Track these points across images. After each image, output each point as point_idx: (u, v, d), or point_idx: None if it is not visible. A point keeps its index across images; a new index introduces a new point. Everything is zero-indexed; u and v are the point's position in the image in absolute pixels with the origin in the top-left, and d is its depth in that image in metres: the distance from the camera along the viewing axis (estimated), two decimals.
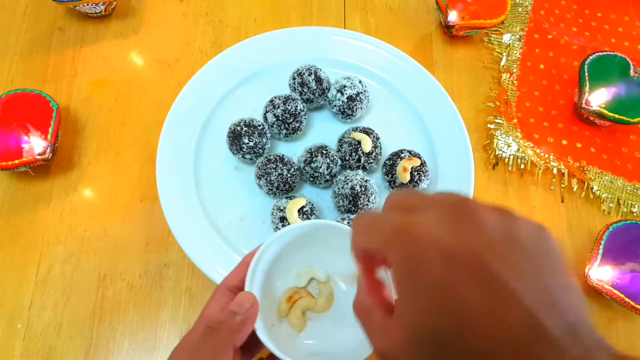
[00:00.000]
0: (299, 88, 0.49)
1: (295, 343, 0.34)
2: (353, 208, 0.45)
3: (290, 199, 0.44)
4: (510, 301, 0.19)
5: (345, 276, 0.37)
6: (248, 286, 0.31)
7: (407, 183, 0.46)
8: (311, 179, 0.47)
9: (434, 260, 0.20)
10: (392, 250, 0.22)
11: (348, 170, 0.46)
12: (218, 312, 0.30)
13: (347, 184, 0.44)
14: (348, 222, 0.43)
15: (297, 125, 0.48)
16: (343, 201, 0.45)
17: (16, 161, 0.45)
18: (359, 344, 0.32)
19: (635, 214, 0.51)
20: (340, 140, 0.49)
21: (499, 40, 0.59)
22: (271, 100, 0.48)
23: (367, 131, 0.48)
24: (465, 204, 0.22)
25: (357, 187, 0.44)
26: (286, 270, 0.37)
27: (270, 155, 0.46)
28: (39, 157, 0.46)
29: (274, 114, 0.47)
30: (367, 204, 0.45)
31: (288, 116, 0.47)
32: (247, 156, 0.47)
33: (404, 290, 0.21)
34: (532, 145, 0.53)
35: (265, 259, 0.34)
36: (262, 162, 0.45)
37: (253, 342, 0.30)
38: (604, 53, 0.55)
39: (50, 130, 0.47)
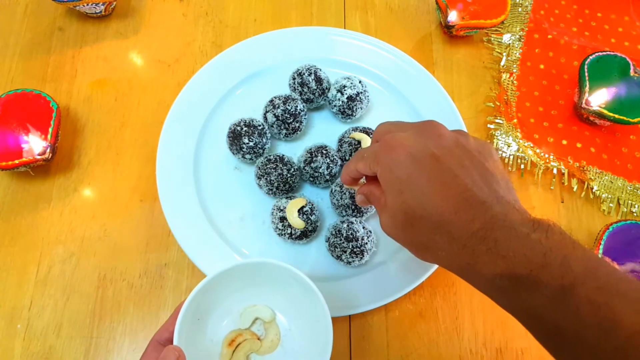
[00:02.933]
0: (299, 88, 0.49)
1: None
2: (358, 215, 0.45)
3: (290, 199, 0.44)
4: (453, 181, 0.28)
5: (291, 313, 0.37)
6: (176, 339, 0.31)
7: None
8: (311, 179, 0.47)
9: (405, 159, 0.29)
10: (380, 159, 0.31)
11: (340, 179, 0.46)
12: None
13: (345, 193, 0.44)
14: (348, 225, 0.43)
15: (297, 125, 0.48)
16: (346, 211, 0.45)
17: (16, 161, 0.45)
18: None
19: (635, 214, 0.51)
20: (340, 140, 0.49)
21: (499, 40, 0.59)
22: (271, 100, 0.48)
23: (367, 131, 0.48)
24: (430, 124, 0.31)
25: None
26: (227, 312, 0.36)
27: (270, 155, 0.46)
28: (39, 157, 0.46)
29: (274, 114, 0.47)
30: (368, 209, 0.45)
31: (288, 116, 0.47)
32: (247, 156, 0.47)
33: (386, 184, 0.30)
34: (532, 145, 0.53)
35: (196, 305, 0.33)
36: (262, 162, 0.45)
37: None
38: (604, 53, 0.54)
39: (50, 130, 0.47)
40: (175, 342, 0.31)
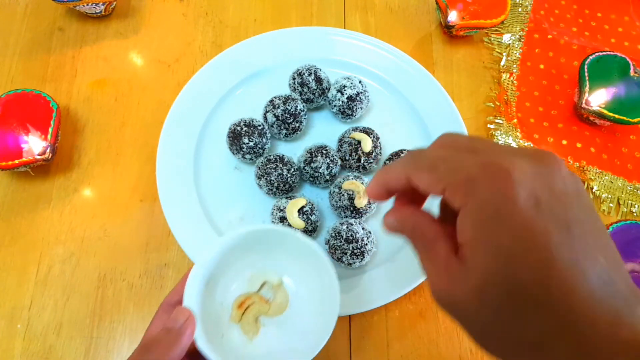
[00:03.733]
0: (299, 88, 0.49)
1: (245, 350, 0.34)
2: (357, 216, 0.45)
3: (290, 199, 0.44)
4: (590, 255, 0.18)
5: (299, 278, 0.37)
6: (186, 300, 0.31)
7: None
8: (311, 179, 0.47)
9: (526, 202, 0.18)
10: (479, 187, 0.19)
11: (340, 179, 0.46)
12: (157, 330, 0.30)
13: (344, 195, 0.44)
14: (347, 227, 0.43)
15: (297, 125, 0.48)
16: (345, 212, 0.45)
17: (16, 161, 0.45)
18: (312, 345, 0.32)
19: (635, 214, 0.51)
20: (340, 140, 0.49)
21: (499, 40, 0.59)
22: (271, 100, 0.48)
23: (367, 131, 0.48)
24: (552, 155, 0.20)
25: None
26: (235, 277, 0.36)
27: (270, 155, 0.46)
28: (38, 157, 0.46)
29: (274, 114, 0.47)
30: (368, 209, 0.45)
31: (288, 116, 0.47)
32: (247, 156, 0.47)
33: (482, 231, 0.19)
34: (532, 145, 0.53)
35: (206, 269, 0.33)
36: (262, 162, 0.45)
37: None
38: (604, 53, 0.55)
39: (50, 130, 0.47)
40: (184, 304, 0.31)
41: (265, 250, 0.36)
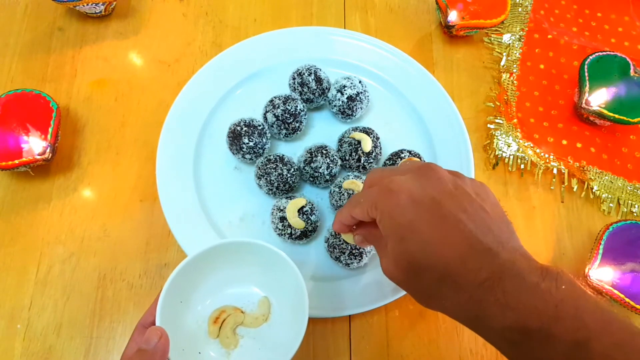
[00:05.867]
0: (299, 88, 0.49)
1: None
2: None
3: (290, 199, 0.44)
4: (456, 227, 0.27)
5: (271, 288, 0.38)
6: (158, 320, 0.31)
7: None
8: (311, 179, 0.46)
9: (406, 204, 0.28)
10: (379, 204, 0.29)
11: (340, 179, 0.46)
12: (132, 352, 0.31)
13: (344, 194, 0.44)
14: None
15: (297, 125, 0.48)
16: None
17: (16, 161, 0.45)
18: (283, 355, 0.32)
19: (635, 214, 0.51)
20: (340, 140, 0.49)
21: (499, 40, 0.59)
22: (271, 100, 0.48)
23: (367, 131, 0.48)
24: (428, 167, 0.30)
25: None
26: (209, 292, 0.37)
27: (270, 155, 0.46)
28: (38, 157, 0.46)
29: (274, 114, 0.47)
30: None
31: (288, 116, 0.47)
32: (247, 156, 0.47)
33: (387, 231, 0.29)
34: (532, 145, 0.53)
35: (177, 287, 0.33)
36: (262, 162, 0.45)
37: None
38: (604, 53, 0.54)
39: (50, 130, 0.47)
40: (157, 323, 0.31)
41: (236, 263, 0.36)
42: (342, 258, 0.43)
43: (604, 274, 0.45)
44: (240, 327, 0.37)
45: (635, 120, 0.51)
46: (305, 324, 0.33)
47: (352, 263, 0.43)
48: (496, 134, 0.53)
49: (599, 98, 0.52)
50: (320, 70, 0.50)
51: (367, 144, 0.46)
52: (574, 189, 0.52)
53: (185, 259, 0.34)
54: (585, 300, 0.25)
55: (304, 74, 0.49)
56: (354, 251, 0.42)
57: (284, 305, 0.37)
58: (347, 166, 0.48)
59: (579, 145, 0.54)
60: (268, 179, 0.45)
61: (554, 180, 0.52)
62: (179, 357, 0.31)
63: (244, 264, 0.37)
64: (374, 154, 0.47)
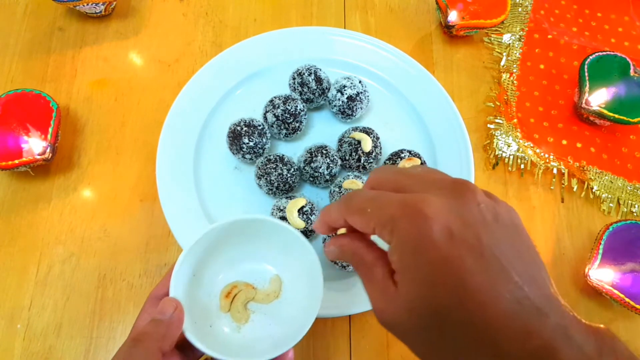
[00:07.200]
0: (299, 88, 0.49)
1: (233, 338, 0.35)
2: None
3: (290, 199, 0.44)
4: (502, 275, 0.21)
5: (286, 266, 0.38)
6: (172, 291, 0.31)
7: None
8: (311, 179, 0.46)
9: (441, 238, 0.21)
10: (399, 228, 0.22)
11: (340, 179, 0.46)
12: (145, 322, 0.30)
13: (344, 194, 0.44)
14: None
15: (297, 125, 0.48)
16: None
17: (16, 161, 0.45)
18: (296, 330, 0.32)
19: (635, 214, 0.51)
20: (340, 140, 0.49)
21: (499, 40, 0.59)
22: (271, 100, 0.48)
23: (367, 131, 0.48)
24: (465, 186, 0.23)
25: None
26: (222, 267, 0.37)
27: (270, 155, 0.46)
28: (38, 157, 0.46)
29: (274, 114, 0.47)
30: None
31: (288, 116, 0.47)
32: (247, 156, 0.47)
33: (406, 263, 0.22)
34: (532, 145, 0.53)
35: (192, 260, 0.33)
36: (262, 162, 0.45)
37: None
38: (604, 53, 0.55)
39: (50, 130, 0.47)
40: (171, 295, 0.31)
41: (252, 239, 0.36)
42: (337, 260, 0.43)
43: (604, 274, 0.45)
44: (252, 303, 0.37)
45: (635, 120, 0.51)
46: (319, 303, 0.33)
47: (348, 266, 0.43)
48: (496, 134, 0.53)
49: (599, 98, 0.52)
50: (320, 70, 0.50)
51: (367, 144, 0.46)
52: (574, 189, 0.52)
53: (202, 232, 0.33)
54: None
55: (304, 74, 0.49)
56: None
57: (297, 284, 0.37)
58: (347, 166, 0.48)
59: (579, 145, 0.54)
60: (268, 179, 0.45)
61: (554, 180, 0.52)
62: (191, 329, 0.31)
63: (259, 241, 0.37)
64: (374, 154, 0.47)
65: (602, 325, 0.21)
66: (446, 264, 0.21)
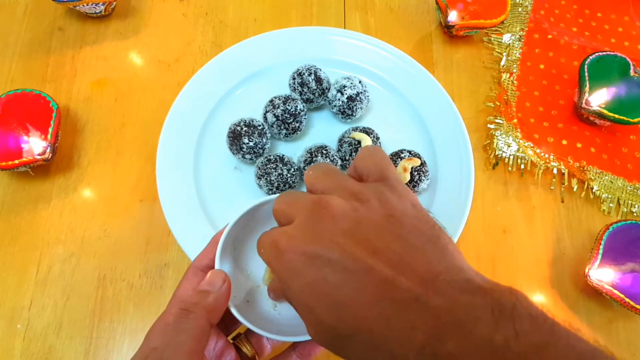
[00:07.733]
0: (299, 88, 0.49)
1: (271, 315, 0.34)
2: None
3: None
4: (369, 277, 0.21)
5: None
6: (218, 264, 0.31)
7: (407, 183, 0.46)
8: None
9: (299, 266, 0.22)
10: (272, 268, 0.24)
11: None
12: (191, 293, 0.29)
13: None
14: None
15: (297, 125, 0.48)
16: None
17: (16, 161, 0.45)
18: None
19: (635, 214, 0.51)
20: (340, 140, 0.49)
21: (499, 40, 0.59)
22: (271, 100, 0.48)
23: (367, 131, 0.48)
24: (319, 204, 0.23)
25: None
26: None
27: (270, 155, 0.46)
28: (38, 157, 0.46)
29: (274, 114, 0.47)
30: None
31: (288, 116, 0.47)
32: (247, 156, 0.47)
33: (291, 302, 0.24)
34: (532, 145, 0.53)
35: (235, 234, 0.33)
36: (262, 162, 0.45)
37: (229, 318, 0.30)
38: (604, 53, 0.54)
39: (50, 130, 0.47)
40: (217, 267, 0.30)
41: None
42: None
43: (604, 274, 0.45)
44: None
45: (635, 120, 0.51)
46: None
47: None
48: (496, 134, 0.53)
49: (599, 98, 0.52)
50: (320, 70, 0.50)
51: (367, 144, 0.46)
52: (574, 189, 0.52)
53: (248, 205, 0.32)
54: (554, 344, 0.19)
55: (304, 74, 0.49)
56: None
57: None
58: (347, 166, 0.48)
59: (579, 145, 0.54)
60: (268, 179, 0.45)
61: (554, 180, 0.52)
62: (232, 303, 0.30)
63: None
64: None
65: (504, 285, 0.20)
66: (313, 287, 0.22)
